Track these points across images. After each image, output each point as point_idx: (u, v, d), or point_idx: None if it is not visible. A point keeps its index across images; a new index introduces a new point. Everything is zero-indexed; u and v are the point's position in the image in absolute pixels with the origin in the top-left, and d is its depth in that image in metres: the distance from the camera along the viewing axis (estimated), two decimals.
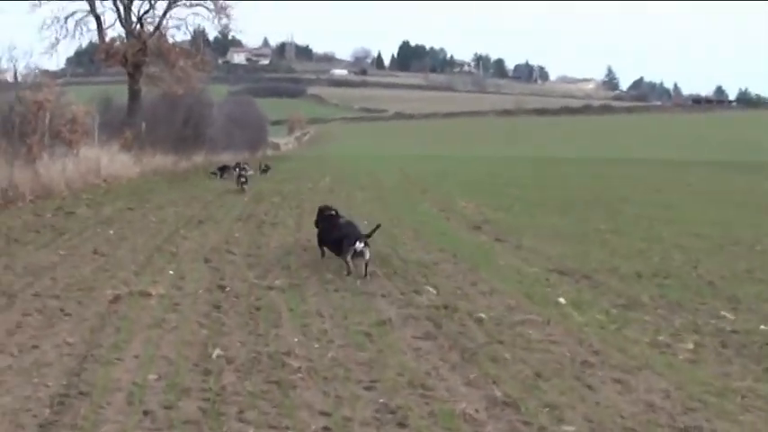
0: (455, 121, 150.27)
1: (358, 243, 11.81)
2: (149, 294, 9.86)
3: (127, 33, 36.33)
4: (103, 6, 36.61)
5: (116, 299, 9.62)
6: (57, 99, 24.99)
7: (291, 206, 21.58)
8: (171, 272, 11.54)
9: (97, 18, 35.96)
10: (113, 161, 29.76)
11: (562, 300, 10.48)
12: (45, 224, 16.17)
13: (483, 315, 9.42)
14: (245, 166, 29.64)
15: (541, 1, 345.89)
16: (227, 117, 51.60)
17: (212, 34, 47.84)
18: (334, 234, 12.54)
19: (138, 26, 36.33)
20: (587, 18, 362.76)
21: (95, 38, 36.44)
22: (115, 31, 37.03)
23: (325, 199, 24.32)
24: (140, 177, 30.74)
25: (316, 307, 9.68)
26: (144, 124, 35.33)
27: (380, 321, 9.07)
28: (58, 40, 34.58)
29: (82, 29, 35.53)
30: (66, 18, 35.19)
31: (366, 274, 11.59)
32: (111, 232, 15.34)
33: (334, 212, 13.68)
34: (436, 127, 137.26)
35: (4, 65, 26.67)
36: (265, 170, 36.32)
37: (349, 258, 11.81)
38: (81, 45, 38.15)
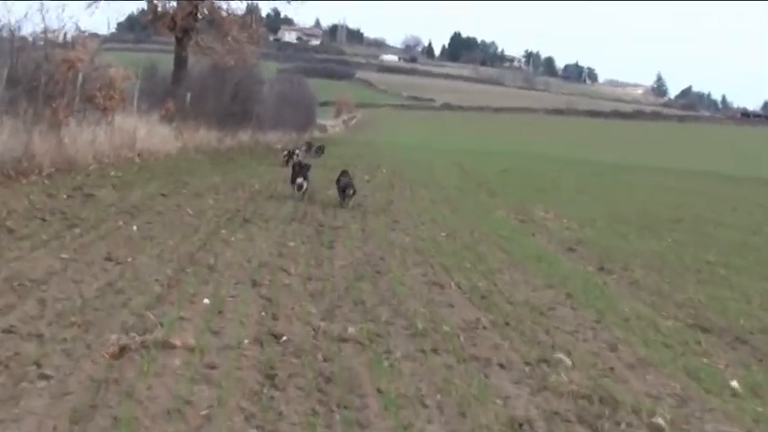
0: (505, 116, 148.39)
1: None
2: (172, 346, 6.61)
3: None
4: None
5: (121, 351, 6.38)
6: (91, 60, 21.88)
7: (354, 204, 18.42)
8: (206, 300, 8.27)
9: None
10: (152, 134, 26.73)
11: (735, 384, 7.35)
12: (55, 209, 12.96)
13: (660, 420, 6.14)
14: (298, 151, 26.93)
15: (594, 1, 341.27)
16: (277, 95, 48.53)
17: (265, 11, 44.44)
18: None
19: None
20: (638, 23, 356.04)
21: None
22: None
23: (387, 197, 21.34)
24: (180, 154, 27.71)
25: (413, 385, 6.40)
26: (189, 95, 32.22)
27: (515, 423, 5.83)
28: None
29: None
30: None
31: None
32: (135, 228, 12.09)
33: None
34: (486, 120, 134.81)
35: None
36: (320, 151, 33.71)
37: None
38: (133, 11, 33.91)
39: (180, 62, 33.60)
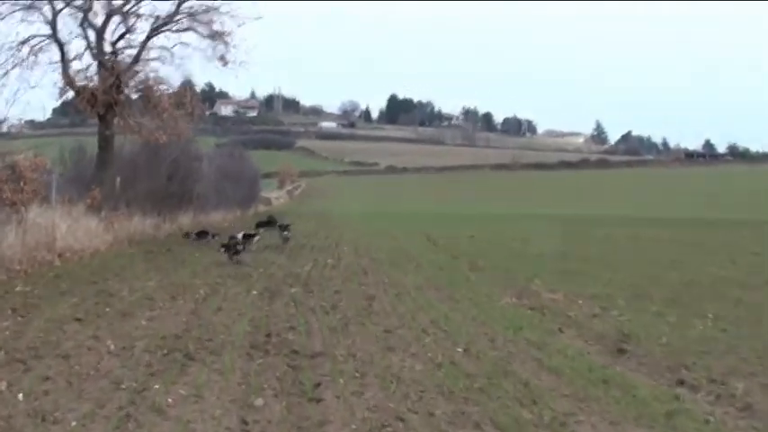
0: (450, 175, 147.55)
1: None
2: None
3: (99, 65, 28.82)
4: (69, 31, 28.94)
5: None
6: None
7: (325, 307, 14.58)
8: None
9: (60, 45, 28.31)
10: (76, 228, 22.72)
11: None
12: None
13: None
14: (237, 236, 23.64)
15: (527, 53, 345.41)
16: (217, 170, 44.54)
17: (199, 84, 40.10)
18: None
19: (113, 56, 28.91)
20: (573, 71, 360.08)
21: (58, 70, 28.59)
22: (82, 63, 29.55)
23: (364, 289, 17.55)
24: (110, 249, 23.81)
25: None
26: (118, 179, 28.20)
27: None
28: (7, 71, 26.72)
29: (37, 58, 27.54)
30: (20, 45, 27.42)
31: None
32: (21, 397, 8.08)
33: None
34: (431, 181, 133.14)
35: None
36: (285, 229, 29.45)
37: None
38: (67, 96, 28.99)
39: (105, 142, 29.31)
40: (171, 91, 30.66)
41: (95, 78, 29.04)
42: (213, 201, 42.31)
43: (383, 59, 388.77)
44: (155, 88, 30.01)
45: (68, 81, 28.42)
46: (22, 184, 19.33)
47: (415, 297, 16.28)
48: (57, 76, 28.54)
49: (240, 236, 24.71)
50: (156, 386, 8.67)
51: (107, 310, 13.31)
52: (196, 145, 39.20)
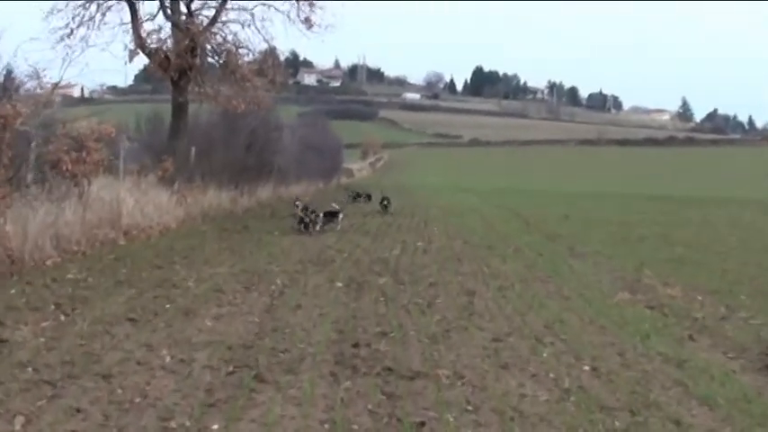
0: (535, 149, 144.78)
1: None
2: None
3: (172, 26, 26.73)
4: None
5: None
6: (37, 113, 15.99)
7: (420, 305, 12.32)
8: None
9: (131, 4, 25.85)
10: (144, 203, 20.91)
11: None
12: None
13: None
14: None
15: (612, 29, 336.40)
16: (299, 141, 42.56)
17: (283, 51, 37.76)
18: None
19: (188, 17, 26.80)
20: (659, 47, 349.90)
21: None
22: (155, 23, 27.53)
23: (462, 282, 15.24)
24: (182, 226, 22.01)
25: None
26: (193, 149, 26.30)
27: None
28: (72, 31, 24.70)
29: (105, 17, 25.37)
30: (88, 2, 25.22)
31: None
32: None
33: None
34: (517, 155, 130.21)
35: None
36: (386, 205, 29.37)
37: None
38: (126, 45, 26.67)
39: (179, 110, 27.31)
40: (251, 56, 28.49)
41: (169, 41, 27.03)
42: (294, 172, 40.40)
43: (469, 30, 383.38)
44: (233, 53, 27.87)
45: (139, 43, 26.27)
46: (84, 154, 17.39)
47: (520, 292, 13.93)
48: (127, 38, 26.57)
49: (321, 215, 22.84)
50: (215, 426, 6.54)
51: (167, 306, 11.22)
52: (277, 114, 37.17)
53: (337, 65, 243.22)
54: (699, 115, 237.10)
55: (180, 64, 26.22)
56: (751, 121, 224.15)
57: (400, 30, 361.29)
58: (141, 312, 10.70)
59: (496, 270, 16.56)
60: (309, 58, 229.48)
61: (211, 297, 12.14)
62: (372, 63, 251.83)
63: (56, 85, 17.59)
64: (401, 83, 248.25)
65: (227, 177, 28.54)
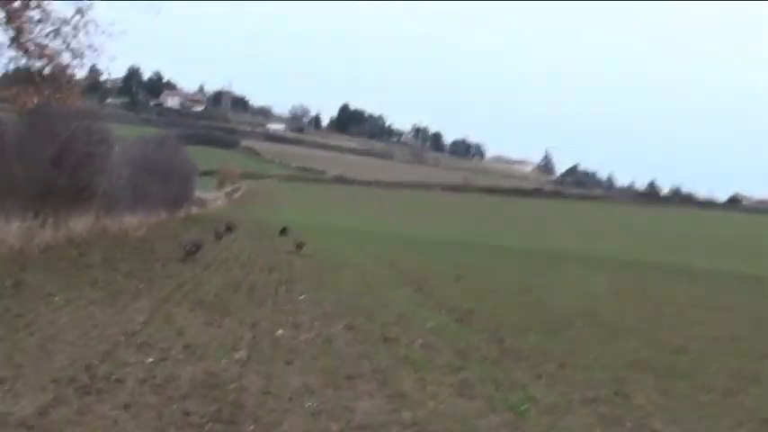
0: (401, 192, 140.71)
1: None
2: None
3: None
4: None
5: None
6: None
7: None
8: None
9: None
10: None
11: None
12: None
13: None
14: None
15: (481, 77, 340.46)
16: (137, 162, 34.28)
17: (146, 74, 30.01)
18: None
19: None
20: (525, 100, 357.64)
21: None
22: None
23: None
24: None
25: None
26: None
27: None
28: None
29: None
30: None
31: None
32: None
33: None
34: (383, 196, 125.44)
35: None
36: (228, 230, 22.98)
37: None
38: None
39: None
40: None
41: None
42: (128, 200, 32.16)
43: (337, 67, 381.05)
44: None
45: None
46: None
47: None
48: None
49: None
50: None
51: None
52: (106, 126, 28.96)
53: (202, 90, 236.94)
54: (560, 169, 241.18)
55: None
56: (610, 179, 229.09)
57: (267, 59, 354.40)
58: None
59: (422, 407, 9.24)
60: (174, 80, 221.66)
61: None
62: (238, 91, 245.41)
63: None
64: (266, 113, 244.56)
65: (23, 201, 20.53)
